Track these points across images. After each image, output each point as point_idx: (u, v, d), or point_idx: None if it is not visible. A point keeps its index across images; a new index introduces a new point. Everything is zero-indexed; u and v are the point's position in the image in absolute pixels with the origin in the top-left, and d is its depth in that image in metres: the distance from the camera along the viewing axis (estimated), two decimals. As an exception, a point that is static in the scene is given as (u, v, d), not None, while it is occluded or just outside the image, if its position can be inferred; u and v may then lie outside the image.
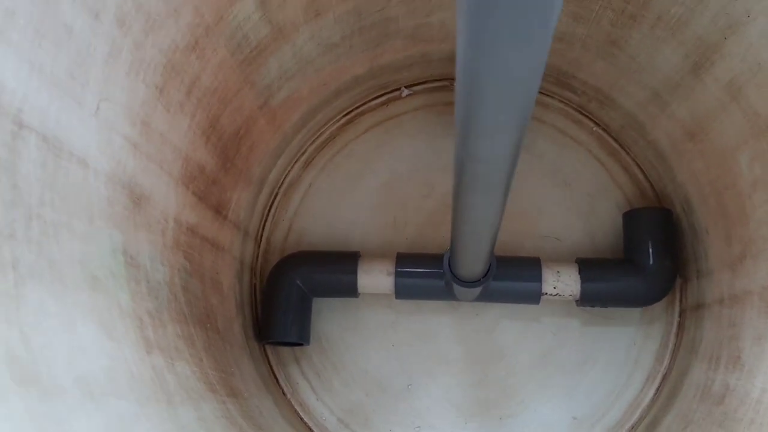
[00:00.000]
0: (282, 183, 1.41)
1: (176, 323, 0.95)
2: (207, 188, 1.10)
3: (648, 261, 1.26)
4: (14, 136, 0.61)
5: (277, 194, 1.41)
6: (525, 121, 0.57)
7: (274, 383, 1.34)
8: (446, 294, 1.28)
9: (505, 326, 1.36)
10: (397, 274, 1.28)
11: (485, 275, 1.17)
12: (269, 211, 1.41)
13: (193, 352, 0.98)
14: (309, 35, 1.13)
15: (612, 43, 1.17)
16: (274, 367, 1.36)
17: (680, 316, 1.32)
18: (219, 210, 1.16)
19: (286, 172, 1.42)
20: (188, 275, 1.03)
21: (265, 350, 1.36)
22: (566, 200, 1.38)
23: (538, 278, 1.26)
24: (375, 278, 1.29)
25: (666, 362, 1.31)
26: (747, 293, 1.06)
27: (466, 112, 0.57)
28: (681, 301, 1.32)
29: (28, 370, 0.58)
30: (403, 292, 1.29)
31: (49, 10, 0.63)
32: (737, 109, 1.02)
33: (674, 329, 1.32)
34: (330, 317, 1.37)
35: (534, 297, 1.27)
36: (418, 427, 1.33)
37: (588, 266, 1.27)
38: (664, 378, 1.30)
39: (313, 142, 1.42)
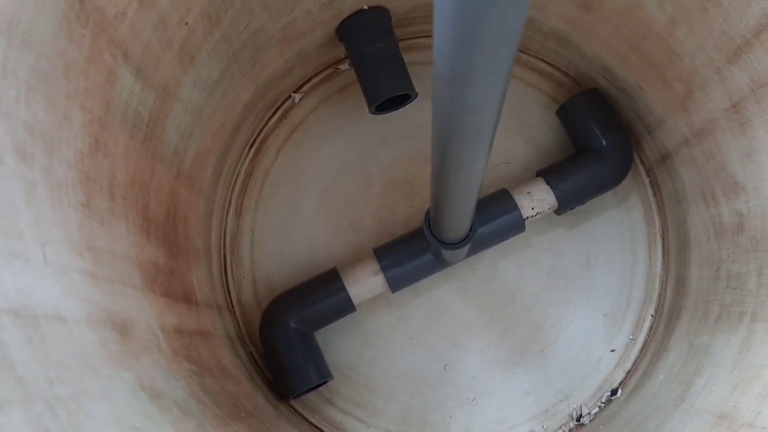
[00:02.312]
0: (224, 242, 1.32)
1: (219, 429, 0.86)
2: (169, 283, 0.99)
3: (600, 143, 1.26)
4: (-13, 327, 0.51)
5: (225, 255, 1.31)
6: (514, 55, 0.53)
7: (319, 433, 1.26)
8: (438, 264, 1.24)
9: (503, 267, 1.33)
10: (384, 269, 1.22)
11: (471, 229, 1.13)
12: (226, 275, 1.31)
13: (248, 449, 0.89)
14: (192, 83, 1.04)
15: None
16: (311, 419, 1.27)
17: (648, 174, 1.33)
18: (188, 298, 1.06)
19: (223, 229, 1.32)
20: (200, 377, 0.93)
21: (294, 408, 1.28)
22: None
23: (515, 206, 1.23)
24: (365, 283, 1.23)
25: (658, 222, 1.32)
26: (711, 121, 1.07)
27: (453, 62, 0.52)
28: (643, 161, 1.34)
29: None
30: (397, 283, 1.23)
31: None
32: (626, -39, 1.01)
33: (649, 189, 1.33)
34: (339, 344, 1.30)
35: (519, 226, 1.25)
36: (474, 399, 1.29)
37: (551, 174, 1.26)
38: (664, 237, 1.31)
39: (233, 188, 1.33)
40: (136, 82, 0.88)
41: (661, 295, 1.30)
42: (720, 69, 1.00)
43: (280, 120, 1.35)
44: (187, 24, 0.95)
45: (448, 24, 0.46)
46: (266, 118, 1.35)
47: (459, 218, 1.02)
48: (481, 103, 0.60)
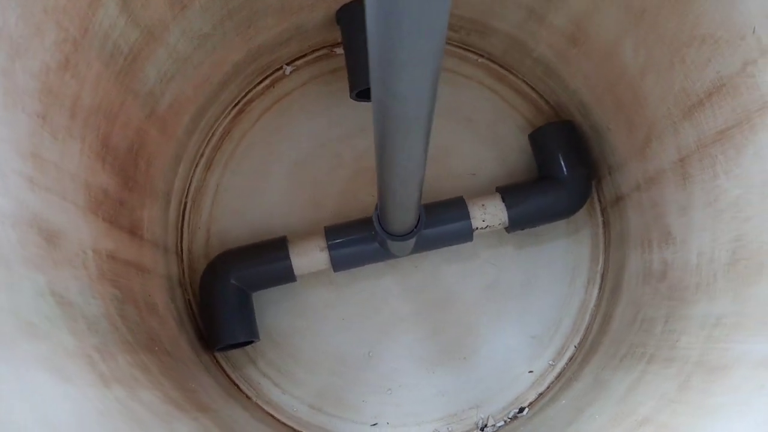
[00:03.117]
0: (188, 191, 1.36)
1: (125, 353, 0.90)
2: (116, 212, 1.04)
3: (562, 173, 1.30)
4: None
5: (186, 203, 1.36)
6: (442, 46, 0.57)
7: (237, 390, 1.31)
8: (383, 254, 1.28)
9: (446, 271, 1.37)
10: (330, 247, 1.26)
11: (417, 224, 1.17)
12: (183, 221, 1.35)
13: (150, 377, 0.93)
14: (180, 31, 1.08)
15: (477, -29, 1.19)
16: (231, 374, 1.32)
17: (602, 214, 1.38)
18: (134, 231, 1.11)
19: (189, 178, 1.36)
20: (122, 303, 0.98)
21: (217, 360, 1.32)
22: (470, 135, 1.40)
23: (467, 216, 1.28)
24: (309, 257, 1.27)
25: (601, 261, 1.36)
26: (660, 172, 1.11)
27: (382, 49, 0.56)
28: (600, 200, 1.38)
29: (-6, 431, 0.53)
30: (340, 263, 1.27)
31: None
32: (610, 4, 1.05)
33: (600, 228, 1.37)
34: (274, 310, 1.35)
35: (467, 235, 1.29)
36: (389, 389, 1.33)
37: (509, 192, 1.30)
38: (603, 276, 1.35)
39: (209, 142, 1.38)
40: (120, 15, 0.93)
41: (588, 330, 1.34)
42: (675, 123, 1.04)
43: (267, 88, 1.40)
44: (182, -27, 1.00)
45: (374, 6, 0.50)
46: (255, 82, 1.40)
47: (402, 211, 1.07)
48: (408, 91, 0.64)
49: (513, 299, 1.36)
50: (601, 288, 1.35)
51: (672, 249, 1.07)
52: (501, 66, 1.42)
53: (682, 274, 1.03)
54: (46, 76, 0.81)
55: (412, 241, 1.21)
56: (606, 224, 1.37)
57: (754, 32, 0.83)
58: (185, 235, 1.35)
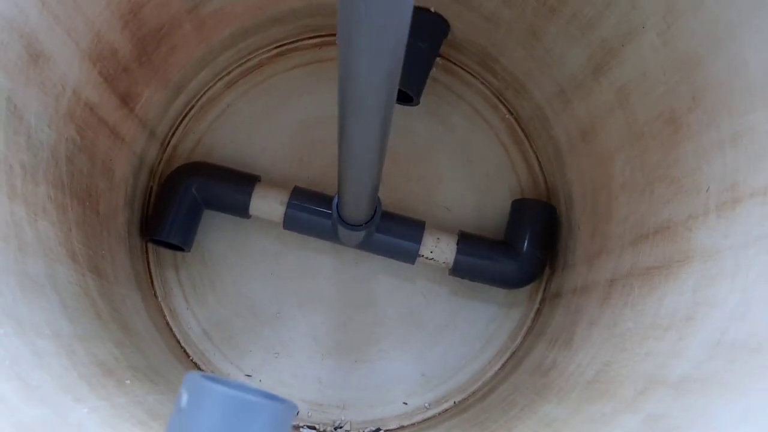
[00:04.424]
0: (201, 96, 1.44)
1: (51, 187, 0.97)
2: (116, 74, 1.12)
3: (522, 248, 1.34)
4: None
5: (193, 106, 1.44)
6: (400, 41, 0.62)
7: (148, 283, 1.37)
8: (331, 235, 1.33)
9: (381, 280, 1.42)
10: (289, 205, 1.32)
11: (368, 222, 1.23)
12: (182, 119, 1.43)
13: (62, 219, 1.00)
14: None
15: (532, 33, 1.24)
16: (152, 267, 1.39)
17: (540, 303, 1.41)
18: (125, 100, 1.19)
19: (208, 87, 1.44)
20: (77, 149, 1.05)
21: (147, 249, 1.39)
22: (466, 176, 1.45)
23: (419, 240, 1.32)
24: (268, 204, 1.33)
25: (518, 342, 1.39)
26: (594, 284, 1.14)
27: (346, 31, 0.61)
28: (545, 290, 1.41)
29: None
30: (290, 223, 1.33)
31: None
32: (622, 114, 1.09)
33: (532, 315, 1.40)
34: (218, 235, 1.41)
35: (410, 256, 1.33)
36: (277, 353, 1.38)
37: (466, 240, 1.34)
38: (513, 355, 1.38)
39: (241, 65, 1.45)
40: None
41: (474, 394, 1.37)
42: (623, 246, 1.07)
43: (315, 46, 1.47)
44: None
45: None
46: (305, 35, 1.47)
47: (354, 203, 1.13)
48: (365, 74, 0.69)
49: (425, 334, 1.40)
50: (504, 364, 1.38)
51: (564, 353, 1.10)
52: (522, 130, 1.46)
53: (557, 376, 1.06)
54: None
55: (359, 235, 1.27)
56: (538, 313, 1.39)
57: (708, 190, 0.87)
58: (178, 132, 1.43)
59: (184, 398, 0.50)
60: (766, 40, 0.77)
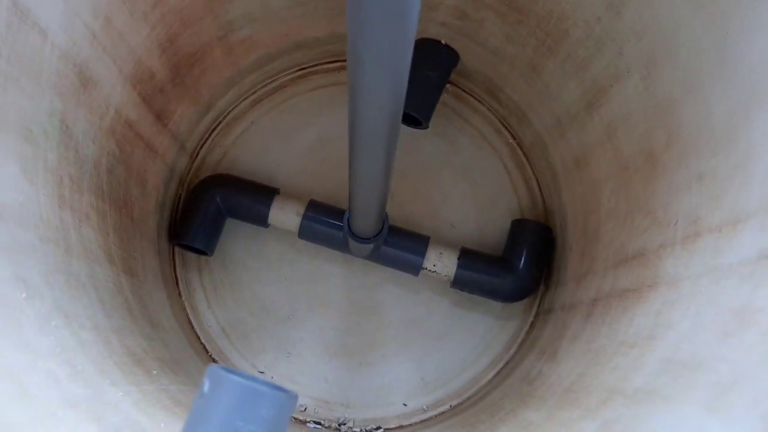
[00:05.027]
0: (228, 113, 1.57)
1: (93, 195, 1.10)
2: (153, 94, 1.24)
3: (519, 265, 1.44)
4: (-10, -6, 0.76)
5: (221, 121, 1.56)
6: (402, 79, 0.71)
7: (173, 282, 1.50)
8: (342, 246, 1.45)
9: (387, 289, 1.53)
10: (304, 217, 1.44)
11: (376, 236, 1.34)
12: (210, 134, 1.56)
13: (102, 225, 1.13)
14: (278, -11, 1.28)
15: (533, 69, 1.34)
16: (177, 269, 1.51)
17: (535, 317, 1.51)
18: (160, 117, 1.31)
19: (234, 105, 1.57)
20: (116, 161, 1.18)
21: (174, 252, 1.52)
22: (470, 195, 1.56)
23: (423, 254, 1.43)
24: (285, 215, 1.45)
25: (512, 352, 1.50)
26: (580, 302, 1.24)
27: (355, 75, 0.72)
28: (539, 305, 1.51)
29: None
30: (305, 233, 1.45)
31: None
32: (610, 147, 1.20)
33: (526, 328, 1.50)
34: (239, 242, 1.53)
35: (415, 269, 1.44)
36: (288, 353, 1.50)
37: (468, 256, 1.45)
38: (506, 364, 1.49)
39: (265, 85, 1.58)
40: (231, -46, 1.14)
41: (469, 399, 1.47)
42: (607, 268, 1.17)
43: (335, 69, 1.59)
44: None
45: (351, 39, 0.66)
46: (326, 60, 1.59)
47: (362, 219, 1.24)
48: (370, 112, 0.80)
49: (425, 342, 1.51)
50: (499, 372, 1.49)
51: (549, 365, 1.21)
52: (525, 155, 1.56)
53: (540, 385, 1.16)
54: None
55: (368, 247, 1.38)
56: (532, 326, 1.50)
57: (676, 224, 0.97)
58: (206, 145, 1.55)
59: (207, 385, 0.62)
60: (727, 95, 0.87)
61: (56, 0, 0.87)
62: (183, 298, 1.51)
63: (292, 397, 0.63)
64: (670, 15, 0.96)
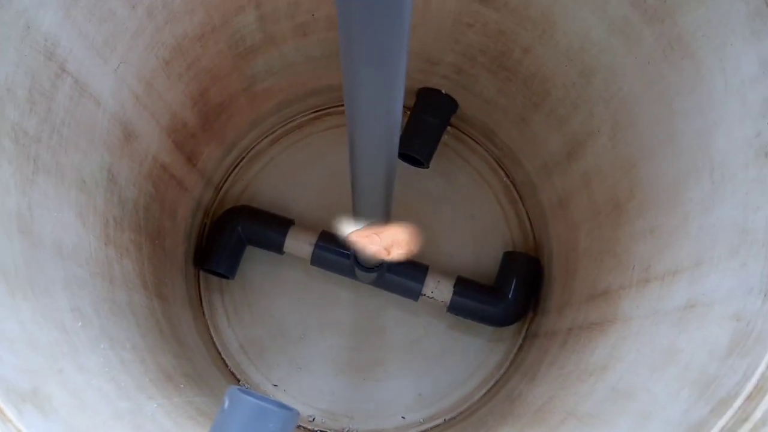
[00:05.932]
0: (249, 151, 1.74)
1: (132, 231, 1.27)
2: (185, 140, 1.42)
3: (509, 294, 1.59)
4: (57, 76, 0.93)
5: (243, 158, 1.73)
6: (393, 135, 0.84)
7: (198, 303, 1.67)
8: (350, 273, 1.61)
9: (390, 312, 1.69)
10: (316, 246, 1.60)
11: (379, 266, 1.50)
12: (233, 169, 1.73)
13: (138, 256, 1.30)
14: (295, 47, 1.45)
15: (522, 119, 1.50)
16: (202, 291, 1.68)
17: (523, 340, 1.66)
18: (191, 158, 1.48)
19: (255, 143, 1.74)
20: (152, 200, 1.35)
21: (198, 276, 1.69)
22: (467, 228, 1.71)
23: (422, 281, 1.59)
24: (299, 244, 1.61)
25: (501, 372, 1.65)
26: (559, 330, 1.39)
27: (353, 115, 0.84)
28: (527, 330, 1.66)
29: (27, 226, 0.90)
30: (316, 260, 1.61)
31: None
32: (586, 193, 1.35)
33: (515, 350, 1.65)
34: (257, 267, 1.70)
35: (414, 294, 1.60)
36: (300, 368, 1.66)
37: (463, 284, 1.60)
38: (496, 384, 1.64)
39: (283, 126, 1.75)
40: (255, 22, 1.30)
41: (461, 414, 1.63)
42: (581, 302, 1.33)
43: (342, 113, 1.73)
44: (313, 15, 1.36)
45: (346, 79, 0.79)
46: (338, 103, 1.76)
47: (365, 258, 1.39)
48: (367, 162, 0.95)
49: (423, 361, 1.66)
50: (489, 391, 1.64)
51: (529, 386, 1.36)
52: (517, 192, 1.72)
53: (519, 404, 1.32)
54: (182, 40, 1.19)
55: (373, 275, 1.54)
56: (520, 349, 1.65)
57: (633, 268, 1.12)
58: (229, 180, 1.73)
59: (226, 403, 0.78)
60: (673, 163, 1.02)
61: (108, 73, 1.05)
62: (206, 317, 1.68)
63: (295, 414, 0.79)
64: (630, 89, 1.12)
